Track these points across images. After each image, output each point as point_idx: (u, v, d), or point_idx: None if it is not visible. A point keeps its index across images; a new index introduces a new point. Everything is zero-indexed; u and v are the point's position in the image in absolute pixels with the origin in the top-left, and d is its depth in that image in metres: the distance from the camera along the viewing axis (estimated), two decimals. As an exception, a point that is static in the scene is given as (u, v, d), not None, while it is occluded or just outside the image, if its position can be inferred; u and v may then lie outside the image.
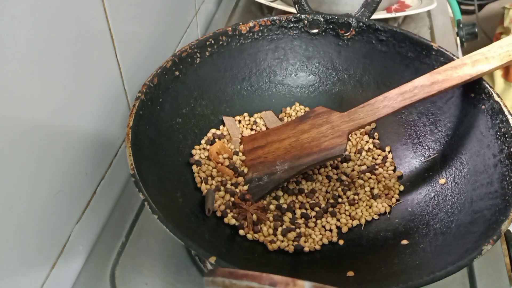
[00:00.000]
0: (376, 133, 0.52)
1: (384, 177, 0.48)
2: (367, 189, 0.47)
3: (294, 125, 0.47)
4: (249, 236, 0.42)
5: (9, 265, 0.34)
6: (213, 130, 0.50)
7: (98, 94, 0.43)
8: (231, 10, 0.82)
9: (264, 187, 0.45)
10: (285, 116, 0.53)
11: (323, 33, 0.53)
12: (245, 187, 0.45)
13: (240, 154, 0.49)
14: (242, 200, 0.44)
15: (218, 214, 0.43)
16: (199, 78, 0.49)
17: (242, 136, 0.51)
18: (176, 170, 0.44)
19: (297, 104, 0.54)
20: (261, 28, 0.52)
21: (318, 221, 0.44)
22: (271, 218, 0.44)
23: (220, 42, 0.50)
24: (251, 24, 0.51)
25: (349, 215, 0.45)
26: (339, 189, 0.47)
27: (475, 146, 0.43)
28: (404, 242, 0.41)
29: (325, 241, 0.42)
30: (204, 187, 0.45)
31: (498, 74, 1.11)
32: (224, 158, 0.48)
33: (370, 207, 0.46)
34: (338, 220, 0.44)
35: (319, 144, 0.43)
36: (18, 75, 0.32)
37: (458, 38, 0.78)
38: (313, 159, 0.43)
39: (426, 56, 0.48)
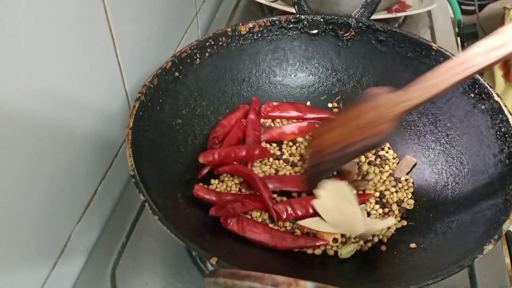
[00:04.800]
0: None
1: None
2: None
3: (345, 114, 0.44)
4: None
5: (10, 264, 0.34)
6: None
7: (99, 94, 0.43)
8: (231, 10, 0.82)
9: (317, 176, 0.45)
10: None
11: (323, 34, 0.53)
12: None
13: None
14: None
15: None
16: (199, 79, 0.49)
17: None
18: (177, 171, 0.44)
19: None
20: (261, 29, 0.52)
21: None
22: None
23: (220, 43, 0.50)
24: (250, 25, 0.51)
25: None
26: None
27: (475, 146, 0.43)
28: (413, 245, 0.41)
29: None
30: None
31: (499, 74, 1.11)
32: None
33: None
34: None
35: (366, 131, 0.41)
36: (19, 76, 0.32)
37: (458, 38, 0.78)
38: (361, 146, 0.41)
39: (426, 56, 0.48)
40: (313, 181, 0.45)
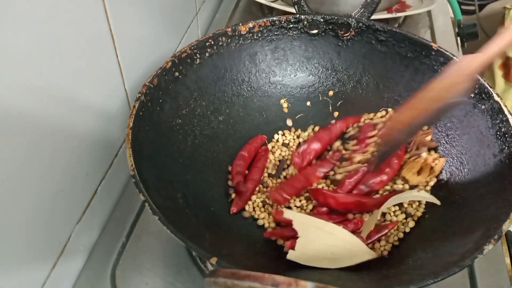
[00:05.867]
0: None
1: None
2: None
3: (420, 93, 0.41)
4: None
5: (10, 264, 0.34)
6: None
7: (99, 94, 0.43)
8: (231, 10, 0.82)
9: (386, 153, 0.46)
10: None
11: (323, 34, 0.53)
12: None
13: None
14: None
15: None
16: (199, 79, 0.49)
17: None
18: (177, 171, 0.44)
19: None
20: (261, 29, 0.52)
21: None
22: None
23: (220, 43, 0.50)
24: (250, 25, 0.51)
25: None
26: None
27: (475, 146, 0.43)
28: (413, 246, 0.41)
29: None
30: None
31: (499, 74, 1.11)
32: None
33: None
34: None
35: (439, 98, 0.39)
36: (18, 76, 0.32)
37: (458, 38, 0.78)
38: (434, 111, 0.39)
39: (426, 56, 0.48)
40: (382, 159, 0.46)
